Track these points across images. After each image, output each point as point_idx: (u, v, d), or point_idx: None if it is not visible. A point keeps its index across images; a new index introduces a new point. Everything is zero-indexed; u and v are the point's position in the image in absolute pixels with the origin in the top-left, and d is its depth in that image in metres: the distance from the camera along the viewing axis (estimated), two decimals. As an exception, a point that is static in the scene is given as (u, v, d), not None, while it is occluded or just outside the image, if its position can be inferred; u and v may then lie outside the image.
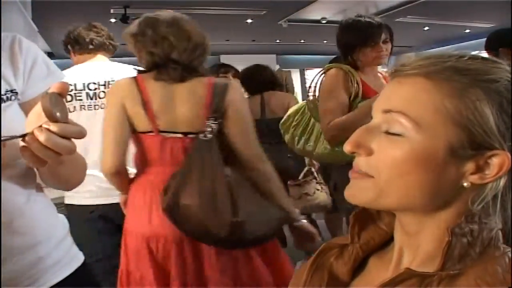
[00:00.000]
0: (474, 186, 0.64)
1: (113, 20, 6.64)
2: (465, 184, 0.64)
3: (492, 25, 8.27)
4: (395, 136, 0.65)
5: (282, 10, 7.47)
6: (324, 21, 8.40)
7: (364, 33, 2.45)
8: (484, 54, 3.03)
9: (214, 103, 1.74)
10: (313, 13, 7.82)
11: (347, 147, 0.69)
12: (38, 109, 0.82)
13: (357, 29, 2.49)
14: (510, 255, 0.65)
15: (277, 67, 3.62)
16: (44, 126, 0.77)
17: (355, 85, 2.38)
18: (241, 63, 11.51)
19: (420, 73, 0.66)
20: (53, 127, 0.77)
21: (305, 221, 1.92)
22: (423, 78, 0.65)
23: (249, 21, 8.03)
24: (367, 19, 2.52)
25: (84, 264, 1.23)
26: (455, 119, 0.62)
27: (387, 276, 0.69)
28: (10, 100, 1.08)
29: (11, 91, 1.08)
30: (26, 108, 1.10)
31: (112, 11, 6.52)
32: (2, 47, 1.09)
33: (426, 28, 9.22)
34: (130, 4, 6.27)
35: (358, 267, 0.81)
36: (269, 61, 10.63)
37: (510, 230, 0.68)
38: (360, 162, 0.69)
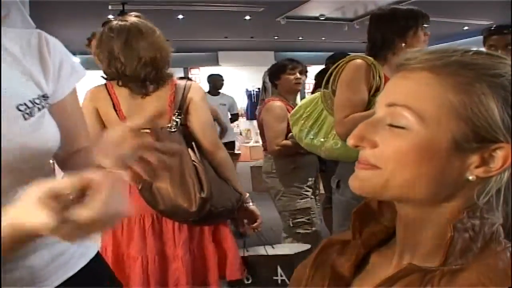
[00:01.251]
0: (478, 179, 0.65)
1: (111, 17, 6.62)
2: (470, 177, 0.64)
3: (490, 22, 8.26)
4: (398, 129, 0.66)
5: (280, 7, 7.46)
6: (322, 18, 8.38)
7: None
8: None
9: (176, 101, 2.04)
10: (311, 10, 7.81)
11: (350, 141, 0.69)
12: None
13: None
14: (511, 250, 0.65)
15: (268, 68, 3.64)
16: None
17: (377, 78, 2.27)
18: (239, 59, 11.59)
19: (425, 68, 0.66)
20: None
21: (252, 204, 2.22)
22: (428, 72, 0.65)
23: (247, 18, 8.02)
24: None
25: (97, 254, 1.25)
26: (459, 113, 0.62)
27: (389, 272, 0.69)
28: (44, 107, 1.05)
29: (43, 96, 1.05)
30: (54, 110, 1.09)
31: (110, 7, 6.51)
32: (29, 47, 1.05)
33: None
34: (128, 0, 6.26)
35: (360, 263, 0.81)
36: (267, 58, 10.65)
37: (511, 224, 0.69)
38: (367, 154, 0.69)
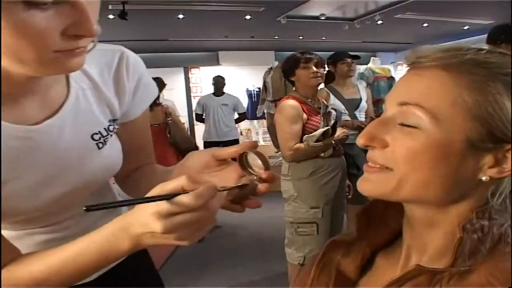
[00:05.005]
0: (492, 180, 0.64)
1: (111, 17, 6.60)
2: (483, 178, 0.63)
3: (491, 22, 8.25)
4: (410, 128, 0.64)
5: (280, 7, 7.44)
6: (323, 18, 8.36)
7: None
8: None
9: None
10: (312, 9, 7.79)
11: (360, 141, 0.68)
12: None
13: None
14: None
15: (276, 63, 3.58)
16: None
17: None
18: (239, 59, 11.57)
19: (438, 66, 0.65)
20: None
21: None
22: (441, 70, 0.64)
23: (247, 17, 8.00)
24: None
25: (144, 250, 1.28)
26: (473, 113, 0.61)
27: (395, 274, 0.68)
28: (113, 132, 1.03)
29: (113, 120, 1.03)
30: (121, 128, 1.07)
31: (110, 7, 6.49)
32: (109, 69, 1.01)
33: (425, 24, 9.19)
34: (128, 0, 6.25)
35: (366, 264, 0.80)
36: (268, 57, 10.63)
37: None
38: (377, 154, 0.68)
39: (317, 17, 8.33)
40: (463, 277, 0.62)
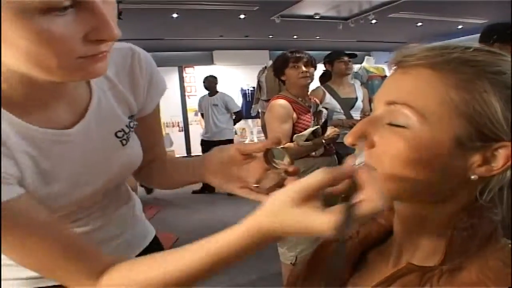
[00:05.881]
0: (480, 179, 0.63)
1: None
2: (472, 176, 0.63)
3: (485, 21, 8.29)
4: (398, 128, 0.64)
5: (275, 6, 7.44)
6: (317, 17, 8.38)
7: None
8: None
9: None
10: (306, 8, 7.80)
11: (348, 140, 0.68)
12: None
13: None
14: (510, 248, 0.64)
15: (270, 62, 3.56)
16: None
17: None
18: (234, 58, 11.57)
19: (425, 64, 0.64)
20: None
21: None
22: (428, 69, 0.64)
23: (242, 16, 8.00)
24: None
25: (155, 237, 1.31)
26: (461, 111, 0.61)
27: (387, 271, 0.68)
28: (133, 128, 1.07)
29: (131, 116, 1.06)
30: (137, 124, 1.10)
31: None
32: (124, 68, 1.03)
33: (419, 24, 9.22)
34: (122, -1, 6.25)
35: (358, 262, 0.80)
36: (262, 56, 10.64)
37: (510, 223, 0.68)
38: (364, 154, 0.68)
39: (311, 16, 8.35)
40: (453, 274, 0.62)
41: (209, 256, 0.73)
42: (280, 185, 0.93)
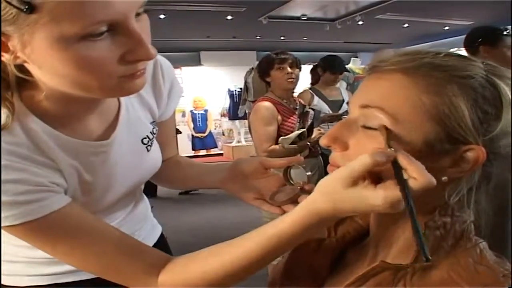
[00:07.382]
0: (450, 180, 0.65)
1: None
2: (442, 178, 0.64)
3: (471, 23, 8.37)
4: (372, 131, 0.66)
5: (262, 7, 7.47)
6: (304, 18, 8.42)
7: None
8: (463, 51, 3.06)
9: None
10: (293, 10, 7.83)
11: (323, 141, 0.70)
12: None
13: None
14: (482, 246, 0.66)
15: (257, 63, 3.57)
16: None
17: None
18: (221, 59, 11.57)
19: (398, 69, 0.66)
20: None
21: None
22: (401, 74, 0.66)
23: (229, 17, 8.01)
24: None
25: (162, 234, 1.35)
26: (432, 114, 0.63)
27: (363, 270, 0.70)
28: (156, 134, 1.10)
29: (153, 122, 1.09)
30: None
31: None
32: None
33: (406, 25, 9.29)
34: None
35: (337, 261, 0.82)
36: (250, 57, 10.65)
37: (483, 222, 0.70)
38: (337, 156, 0.70)
39: (298, 18, 8.39)
40: (426, 272, 0.64)
41: (269, 241, 0.74)
42: (293, 200, 0.96)
